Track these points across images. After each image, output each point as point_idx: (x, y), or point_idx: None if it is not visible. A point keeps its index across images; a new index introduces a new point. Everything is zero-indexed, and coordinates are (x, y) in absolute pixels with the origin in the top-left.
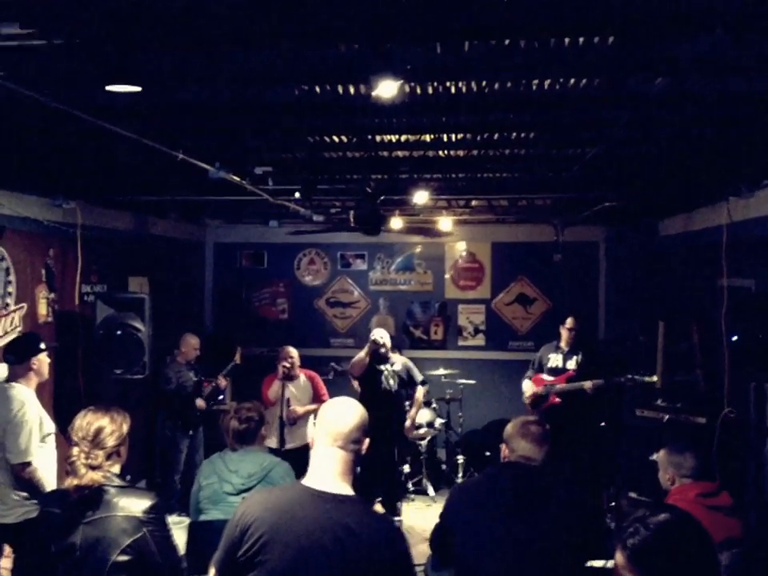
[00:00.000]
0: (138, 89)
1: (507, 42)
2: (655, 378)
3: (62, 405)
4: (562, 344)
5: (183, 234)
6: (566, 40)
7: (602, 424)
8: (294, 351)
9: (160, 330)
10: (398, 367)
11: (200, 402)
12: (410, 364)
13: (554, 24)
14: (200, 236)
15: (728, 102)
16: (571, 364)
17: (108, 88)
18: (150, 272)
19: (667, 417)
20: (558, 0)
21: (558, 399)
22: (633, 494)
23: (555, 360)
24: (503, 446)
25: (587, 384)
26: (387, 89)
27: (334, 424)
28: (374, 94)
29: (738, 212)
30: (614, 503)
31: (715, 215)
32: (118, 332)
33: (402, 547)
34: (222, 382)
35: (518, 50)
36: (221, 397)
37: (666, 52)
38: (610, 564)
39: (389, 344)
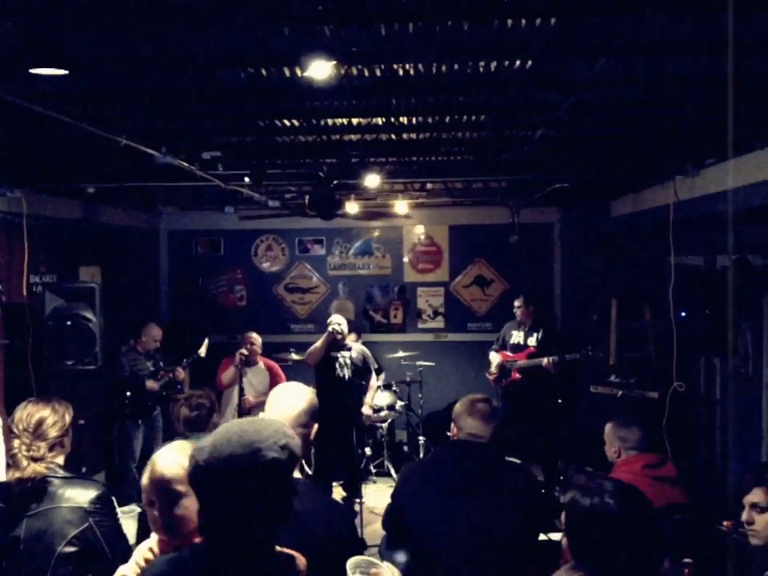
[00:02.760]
0: (64, 72)
1: (450, 23)
2: (603, 355)
3: (13, 398)
4: (521, 321)
5: (136, 221)
6: (509, 21)
7: (558, 401)
8: (256, 337)
9: (114, 319)
10: (354, 354)
11: (150, 383)
12: (367, 352)
13: (497, 5)
14: (154, 223)
15: (669, 83)
16: (532, 341)
17: (33, 71)
18: (103, 261)
19: (621, 392)
20: None
21: (518, 375)
22: (588, 469)
23: (517, 337)
24: (452, 425)
25: (544, 360)
26: (319, 70)
27: (282, 408)
28: (305, 75)
29: (685, 191)
30: (562, 477)
31: (663, 194)
32: (68, 323)
33: (340, 527)
34: (180, 374)
35: (461, 31)
36: (180, 386)
37: (606, 34)
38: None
39: (346, 331)
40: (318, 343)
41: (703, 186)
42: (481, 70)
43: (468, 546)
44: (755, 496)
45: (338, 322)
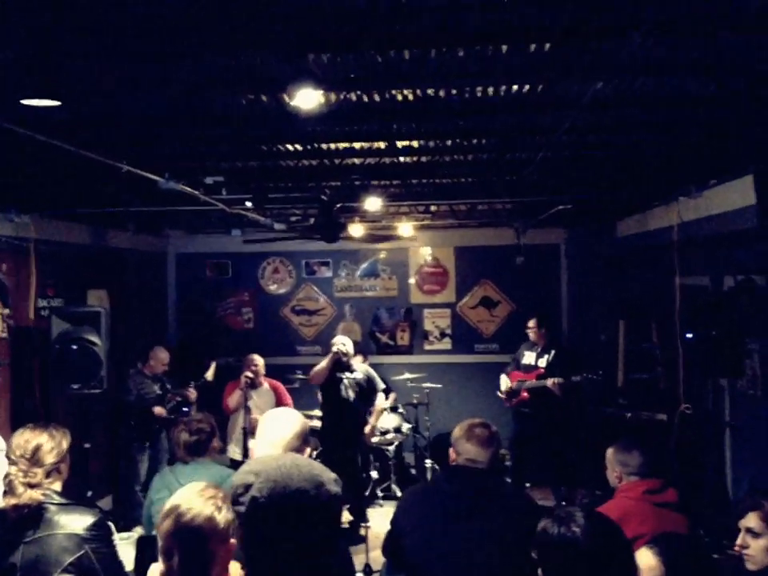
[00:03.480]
0: (56, 103)
1: (444, 49)
2: (602, 378)
3: (20, 421)
4: (534, 342)
5: (144, 245)
6: (504, 47)
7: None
8: (258, 359)
9: (121, 342)
10: (358, 376)
11: (158, 409)
12: (372, 373)
13: (490, 32)
14: (162, 247)
15: (667, 104)
16: (542, 362)
17: (24, 102)
18: (110, 285)
19: (629, 414)
20: (491, 8)
21: (526, 395)
22: (598, 493)
23: (529, 357)
24: (451, 450)
25: (549, 381)
26: (305, 99)
27: (273, 433)
28: (292, 103)
29: (689, 212)
30: (564, 502)
31: (667, 215)
32: (74, 346)
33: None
34: (192, 394)
35: (456, 57)
36: (186, 409)
37: (601, 56)
38: None
39: (351, 352)
40: (323, 363)
41: (707, 206)
42: (479, 94)
43: (465, 572)
44: (750, 521)
45: (342, 342)
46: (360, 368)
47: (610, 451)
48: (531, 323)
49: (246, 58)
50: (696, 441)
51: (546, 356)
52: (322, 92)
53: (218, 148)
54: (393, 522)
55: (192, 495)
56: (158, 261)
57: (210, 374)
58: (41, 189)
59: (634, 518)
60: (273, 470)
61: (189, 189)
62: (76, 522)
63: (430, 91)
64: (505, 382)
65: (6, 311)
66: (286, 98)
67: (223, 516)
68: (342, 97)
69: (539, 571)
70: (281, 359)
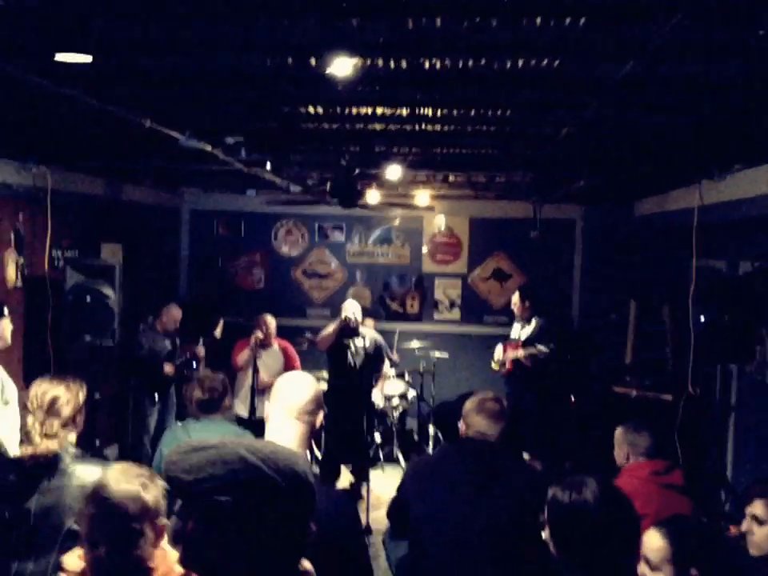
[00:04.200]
0: (88, 58)
1: (478, 19)
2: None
3: (31, 370)
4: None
5: (158, 200)
6: (538, 20)
7: (572, 398)
8: (270, 320)
9: (133, 296)
10: (366, 343)
11: (168, 367)
12: (381, 341)
13: (526, 4)
14: (176, 203)
15: (699, 87)
16: (523, 334)
17: (57, 57)
18: (124, 238)
19: (635, 393)
20: None
21: (509, 366)
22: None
23: (515, 331)
24: (461, 422)
25: (519, 352)
26: (344, 67)
27: (288, 397)
28: (327, 71)
29: (710, 195)
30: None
31: (688, 197)
32: (88, 299)
33: (347, 525)
34: (201, 350)
35: (489, 28)
36: (194, 366)
37: (635, 36)
38: None
39: (359, 318)
40: (330, 329)
41: (730, 190)
42: (507, 66)
43: (469, 543)
44: (756, 508)
45: (352, 310)
46: (368, 334)
47: (619, 431)
48: (514, 298)
49: (276, 21)
50: (700, 423)
51: (527, 328)
52: (350, 57)
53: (240, 108)
54: (400, 489)
55: (116, 475)
56: (172, 217)
57: (218, 332)
58: (60, 140)
59: (639, 498)
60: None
61: (208, 147)
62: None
63: (459, 61)
64: (498, 352)
65: (21, 260)
66: (312, 61)
67: (151, 493)
68: (368, 62)
69: (548, 538)
70: (290, 320)
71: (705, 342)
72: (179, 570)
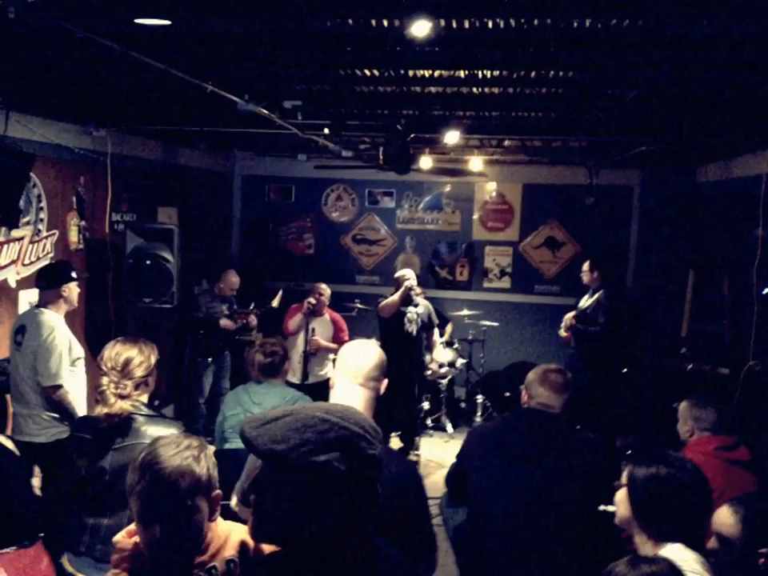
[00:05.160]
0: (167, 22)
1: None
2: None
3: (92, 331)
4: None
5: (212, 165)
6: None
7: (624, 370)
8: (325, 289)
9: (188, 260)
10: (420, 310)
11: (225, 321)
12: (431, 307)
13: None
14: (229, 168)
15: None
16: (585, 304)
17: (137, 21)
18: (179, 202)
19: (690, 365)
20: None
21: (566, 334)
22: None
23: (582, 301)
24: (523, 392)
25: (567, 323)
26: (421, 28)
27: (354, 363)
28: (406, 33)
29: None
30: (630, 451)
31: (756, 163)
32: (147, 262)
33: (414, 493)
34: (253, 320)
35: None
36: (250, 331)
37: None
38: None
39: (416, 286)
40: (395, 297)
41: None
42: (575, 25)
43: (528, 513)
44: None
45: (411, 277)
46: (422, 303)
47: (683, 405)
48: (585, 266)
49: None
50: (759, 399)
51: (591, 299)
52: (413, 19)
53: (298, 71)
54: (459, 458)
55: (166, 449)
56: (225, 181)
57: (276, 302)
58: (121, 104)
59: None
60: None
61: (266, 111)
62: (162, 433)
63: (523, 21)
64: (566, 319)
65: (83, 223)
66: (373, 22)
67: (203, 466)
68: (431, 24)
69: (624, 513)
70: (339, 287)
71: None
72: (235, 540)
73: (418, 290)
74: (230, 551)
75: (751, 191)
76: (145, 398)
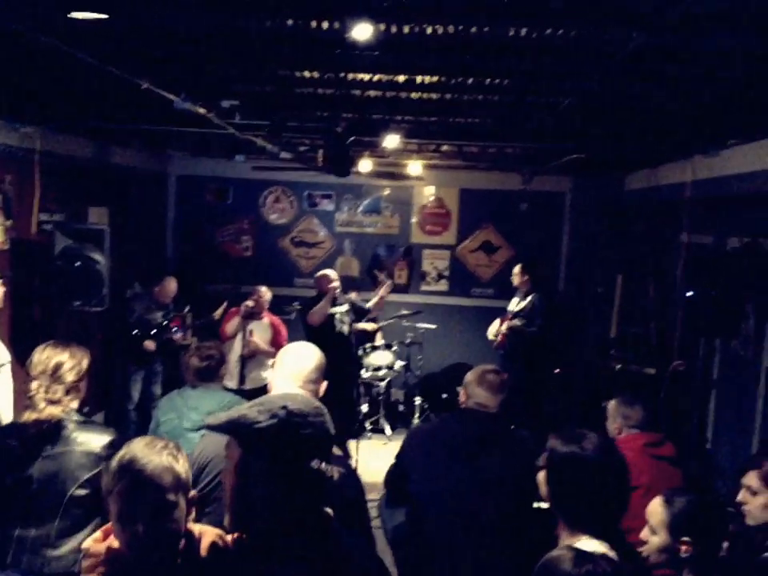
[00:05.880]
0: (103, 16)
1: None
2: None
3: (19, 336)
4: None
5: (146, 164)
6: None
7: (556, 370)
8: (265, 292)
9: (120, 262)
10: (345, 307)
11: (148, 343)
12: (352, 298)
13: None
14: (164, 168)
15: (699, 61)
16: (517, 307)
17: (72, 15)
18: (111, 202)
19: (618, 366)
20: None
21: (501, 338)
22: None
23: (512, 303)
24: (462, 392)
25: (503, 326)
26: (362, 32)
27: (293, 365)
28: (347, 36)
29: (703, 170)
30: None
31: (680, 172)
32: (77, 263)
33: (352, 493)
34: (179, 339)
35: None
36: (174, 329)
37: (645, 6)
38: None
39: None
40: (323, 303)
41: (722, 166)
42: (510, 33)
43: (467, 511)
44: (750, 479)
45: (335, 278)
46: (343, 300)
47: (612, 403)
48: (516, 269)
49: None
50: (682, 397)
51: (523, 302)
52: (354, 21)
53: (237, 71)
54: (398, 458)
55: (144, 448)
56: (160, 181)
57: (218, 313)
58: (53, 101)
59: (633, 469)
60: (277, 398)
61: (203, 111)
62: (94, 440)
63: (461, 28)
64: (494, 324)
65: (9, 223)
66: (312, 24)
67: (181, 465)
68: (371, 27)
69: (546, 493)
70: (277, 289)
71: (691, 317)
72: (206, 542)
73: (353, 294)
74: (203, 552)
75: (675, 198)
76: (76, 404)
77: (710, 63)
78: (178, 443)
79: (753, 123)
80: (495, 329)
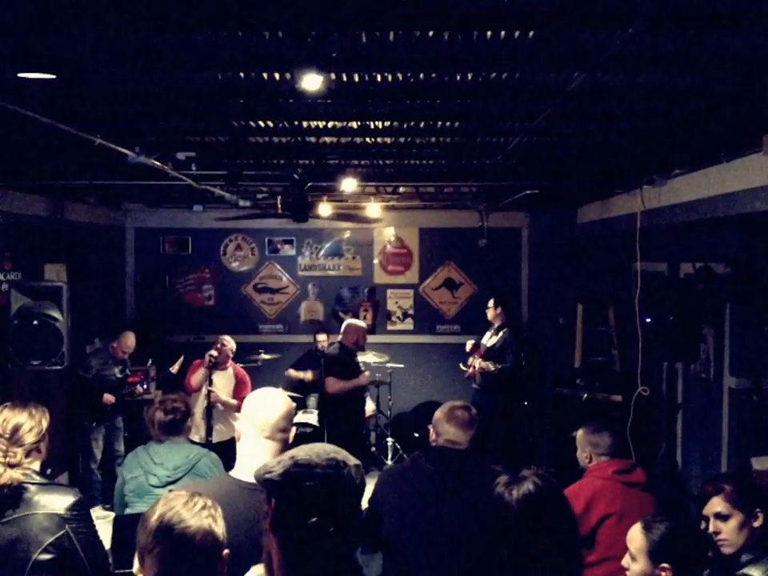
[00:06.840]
0: (52, 76)
1: (431, 33)
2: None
3: None
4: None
5: (102, 219)
6: (488, 33)
7: (525, 403)
8: (228, 341)
9: (79, 318)
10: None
11: (108, 397)
12: (333, 351)
13: (477, 17)
14: (120, 221)
15: (641, 96)
16: (490, 342)
17: (20, 75)
18: (68, 259)
19: (585, 395)
20: None
21: (473, 371)
22: (552, 471)
23: (485, 337)
24: (431, 430)
25: (477, 364)
26: (312, 82)
27: (260, 415)
28: (298, 86)
29: (652, 200)
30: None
31: (630, 203)
32: (35, 322)
33: None
34: (139, 391)
35: (441, 41)
36: (137, 383)
37: (583, 47)
38: None
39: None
40: (350, 384)
41: (670, 195)
42: (457, 78)
43: (442, 551)
44: (716, 506)
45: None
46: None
47: (580, 432)
48: (490, 303)
49: (228, 36)
50: (650, 422)
51: (495, 337)
52: (303, 72)
53: (191, 123)
54: (370, 502)
55: (183, 509)
56: (117, 235)
57: (175, 367)
58: (2, 159)
59: (604, 497)
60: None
61: (158, 163)
62: (57, 502)
63: (410, 74)
64: (476, 362)
65: None
66: (264, 75)
67: (219, 526)
68: (321, 77)
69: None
70: (242, 337)
71: (651, 343)
72: None
73: (323, 336)
74: None
75: (627, 228)
76: (37, 466)
77: (647, 99)
78: (215, 503)
79: (694, 152)
80: (469, 360)
